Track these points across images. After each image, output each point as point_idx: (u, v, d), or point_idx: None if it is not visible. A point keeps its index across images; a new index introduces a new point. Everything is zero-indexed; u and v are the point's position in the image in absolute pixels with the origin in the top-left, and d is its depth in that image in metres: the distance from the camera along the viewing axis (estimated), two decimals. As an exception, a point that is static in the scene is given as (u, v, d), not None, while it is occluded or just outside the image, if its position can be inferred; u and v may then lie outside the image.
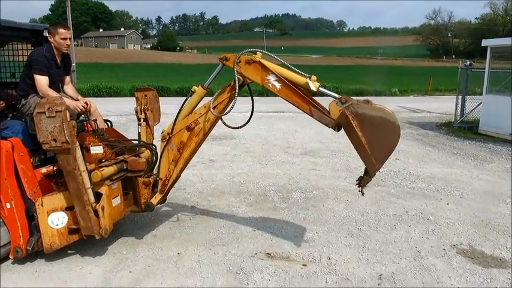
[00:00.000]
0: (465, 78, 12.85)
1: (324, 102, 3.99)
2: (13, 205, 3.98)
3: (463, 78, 12.94)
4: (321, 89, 3.95)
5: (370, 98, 3.88)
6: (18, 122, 4.41)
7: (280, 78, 3.98)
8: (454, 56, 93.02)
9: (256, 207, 6.01)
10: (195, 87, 4.41)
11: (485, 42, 12.00)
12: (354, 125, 3.71)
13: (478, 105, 12.53)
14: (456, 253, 4.69)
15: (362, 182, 4.10)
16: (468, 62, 13.06)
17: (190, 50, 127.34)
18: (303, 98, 3.98)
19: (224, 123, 4.44)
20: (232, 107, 4.15)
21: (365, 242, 4.92)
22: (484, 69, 12.16)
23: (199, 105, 4.47)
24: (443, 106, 17.51)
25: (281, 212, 5.84)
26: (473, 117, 12.89)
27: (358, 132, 3.72)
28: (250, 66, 4.07)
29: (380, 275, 4.16)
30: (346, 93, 24.33)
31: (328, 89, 4.05)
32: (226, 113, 4.25)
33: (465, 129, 12.60)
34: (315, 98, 4.04)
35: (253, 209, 5.97)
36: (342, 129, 3.87)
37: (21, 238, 4.03)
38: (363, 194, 4.18)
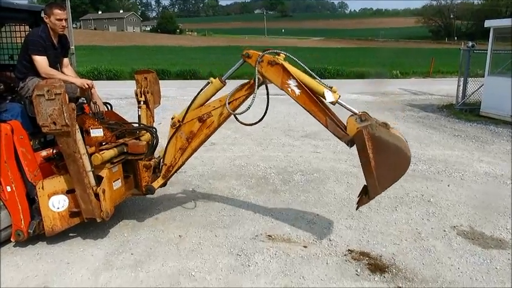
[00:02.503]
0: (467, 60, 12.75)
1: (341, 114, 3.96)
2: (14, 188, 3.98)
3: (465, 60, 12.84)
4: (339, 101, 3.88)
5: (388, 122, 3.84)
6: (17, 105, 4.37)
7: (300, 85, 3.90)
8: (456, 38, 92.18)
9: (257, 190, 6.02)
10: (212, 79, 4.32)
11: (488, 23, 11.87)
12: (367, 146, 3.67)
13: (480, 87, 12.45)
14: (456, 234, 4.71)
15: (361, 202, 4.12)
16: (470, 44, 12.93)
17: (190, 33, 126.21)
18: (320, 107, 3.92)
19: (238, 120, 4.35)
20: (249, 107, 4.04)
21: (366, 223, 4.93)
22: (487, 50, 12.05)
23: (213, 98, 4.39)
24: (444, 88, 17.42)
25: (282, 195, 5.85)
26: (474, 99, 12.82)
27: (369, 154, 3.68)
28: (272, 67, 3.98)
29: (380, 256, 4.18)
30: (347, 76, 24.24)
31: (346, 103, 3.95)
32: (242, 113, 4.17)
33: (466, 111, 12.55)
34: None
35: (254, 191, 5.97)
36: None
37: (23, 221, 4.04)
38: (357, 209, 4.24)
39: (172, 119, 4.45)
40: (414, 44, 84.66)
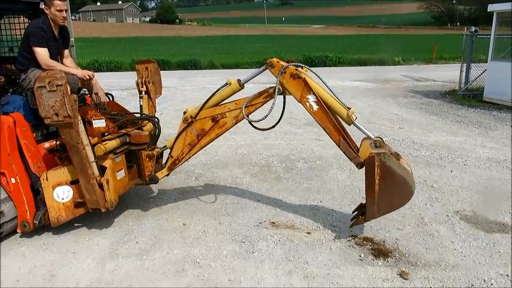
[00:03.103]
0: (470, 45, 12.65)
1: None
2: (18, 180, 4.01)
3: (467, 45, 12.74)
4: (355, 122, 3.92)
5: (400, 153, 3.92)
6: (19, 97, 4.38)
7: (319, 101, 3.95)
8: (459, 23, 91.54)
9: (260, 178, 6.04)
10: (230, 80, 4.31)
11: (491, 8, 11.75)
12: (376, 172, 3.74)
13: (483, 73, 12.38)
14: (459, 219, 4.72)
15: (356, 221, 4.19)
16: (473, 29, 12.82)
17: (189, 22, 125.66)
18: (336, 126, 3.97)
19: (253, 126, 4.41)
20: (265, 117, 4.09)
21: (369, 209, 4.95)
22: (490, 35, 11.95)
23: (229, 99, 4.39)
24: (447, 74, 17.33)
25: (285, 182, 5.87)
26: (477, 85, 12.75)
27: (376, 180, 3.77)
28: (294, 80, 4.01)
29: (384, 241, 4.21)
30: (349, 63, 24.10)
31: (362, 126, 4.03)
32: (258, 121, 4.21)
33: (469, 97, 12.50)
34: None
35: (257, 179, 6.00)
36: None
37: (28, 212, 4.07)
38: (351, 226, 4.30)
39: (184, 113, 4.45)
40: (416, 30, 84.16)
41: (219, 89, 4.34)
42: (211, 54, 28.68)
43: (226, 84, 4.31)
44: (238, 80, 4.28)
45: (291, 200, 5.25)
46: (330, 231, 4.44)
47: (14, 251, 4.09)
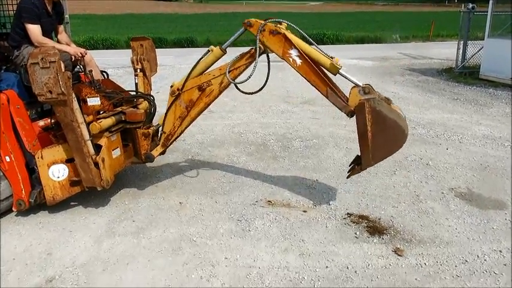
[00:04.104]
0: (467, 23, 12.53)
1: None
2: (13, 158, 3.99)
3: (464, 23, 12.61)
4: (341, 72, 3.86)
5: (391, 98, 3.86)
6: (13, 74, 4.32)
7: (302, 55, 3.88)
8: (456, 0, 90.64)
9: (256, 157, 6.04)
10: (212, 47, 4.25)
11: (489, -17, 11.62)
12: (367, 119, 3.69)
13: (480, 50, 12.30)
14: (454, 196, 4.75)
15: (352, 171, 4.20)
16: (470, 5, 12.67)
17: (186, 0, 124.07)
18: (321, 78, 3.91)
19: (238, 89, 4.34)
20: (250, 76, 4.01)
21: (365, 188, 4.97)
22: (487, 12, 11.83)
23: (213, 66, 4.34)
24: (444, 52, 17.22)
25: (281, 161, 5.87)
26: (474, 63, 12.67)
27: (368, 127, 3.72)
28: (274, 37, 3.94)
29: (379, 219, 4.24)
30: (347, 41, 23.88)
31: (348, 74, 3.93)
32: (243, 82, 4.15)
33: (466, 74, 12.44)
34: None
35: (254, 158, 6.00)
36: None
37: (23, 191, 4.07)
38: (348, 177, 4.35)
39: (171, 87, 4.42)
40: (414, 7, 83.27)
41: (202, 58, 4.29)
42: (208, 31, 28.34)
43: (209, 51, 4.26)
44: (220, 45, 4.24)
45: (287, 179, 5.26)
46: (325, 209, 4.46)
47: (10, 229, 4.10)
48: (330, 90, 3.90)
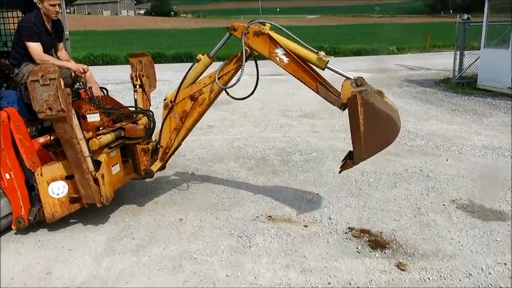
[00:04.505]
0: (463, 33, 12.64)
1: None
2: (12, 176, 3.97)
3: (460, 33, 12.72)
4: (329, 66, 3.85)
5: (382, 90, 3.84)
6: (13, 92, 4.33)
7: (288, 53, 3.89)
8: (452, 11, 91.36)
9: (256, 171, 6.02)
10: (200, 56, 4.27)
11: (482, -5, 11.73)
12: (359, 111, 3.67)
13: (476, 60, 12.37)
14: (456, 208, 4.73)
15: (344, 166, 4.16)
16: (466, 16, 12.79)
17: (184, 15, 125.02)
18: (310, 74, 3.91)
19: (228, 94, 4.35)
20: (238, 80, 4.05)
21: (365, 201, 4.94)
22: (482, 22, 11.93)
23: (204, 75, 4.36)
24: (441, 62, 17.30)
25: (281, 175, 5.85)
26: (471, 73, 12.74)
27: (360, 120, 3.70)
28: (258, 38, 3.96)
29: (381, 232, 4.21)
30: (344, 54, 24.00)
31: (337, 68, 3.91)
32: (232, 86, 4.17)
33: (463, 84, 12.49)
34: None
35: (254, 173, 5.98)
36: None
37: (23, 208, 4.04)
38: (340, 172, 4.31)
39: (164, 100, 4.43)
40: (410, 18, 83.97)
41: (191, 67, 4.31)
42: (206, 46, 28.50)
43: (198, 60, 4.28)
44: (207, 53, 4.26)
45: (288, 193, 5.23)
46: (327, 224, 4.43)
47: (9, 248, 4.06)
48: (320, 85, 3.89)
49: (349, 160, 4.06)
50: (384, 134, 3.88)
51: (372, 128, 3.74)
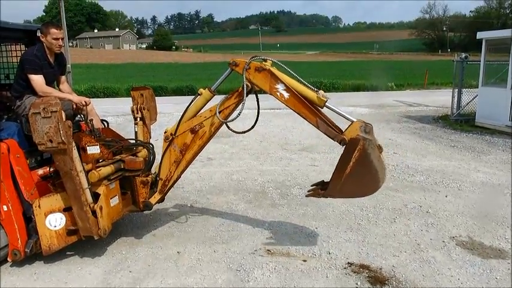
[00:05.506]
0: (461, 71, 12.86)
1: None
2: (10, 207, 3.96)
3: (458, 71, 12.95)
4: (328, 104, 3.94)
5: (388, 144, 3.93)
6: (14, 124, 4.37)
7: (288, 88, 3.96)
8: (449, 50, 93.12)
9: (255, 204, 6.00)
10: (201, 90, 4.35)
11: (480, 35, 11.99)
12: (354, 155, 3.73)
13: (474, 98, 12.53)
14: (455, 245, 4.69)
15: (314, 193, 4.25)
16: (464, 55, 13.05)
17: (186, 49, 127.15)
18: (310, 109, 3.96)
19: (229, 128, 4.41)
20: (239, 114, 4.12)
21: (365, 236, 4.91)
22: (480, 61, 12.16)
23: (204, 108, 4.42)
24: (439, 99, 17.52)
25: (280, 209, 5.84)
26: (469, 110, 12.89)
27: (351, 162, 3.76)
28: (259, 73, 4.05)
29: (380, 268, 4.16)
30: (343, 89, 24.28)
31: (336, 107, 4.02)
32: (232, 120, 4.23)
33: (462, 121, 12.61)
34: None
35: (252, 206, 5.96)
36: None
37: (19, 240, 4.01)
38: (307, 196, 4.40)
39: (165, 132, 4.47)
40: (408, 56, 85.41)
41: (192, 101, 4.37)
42: (207, 79, 28.85)
43: (199, 94, 4.34)
44: (209, 87, 4.33)
45: (287, 227, 5.20)
46: (326, 259, 4.39)
47: (5, 281, 4.00)
48: (320, 121, 3.94)
49: (321, 190, 4.13)
50: (363, 185, 3.98)
51: (356, 174, 3.80)
